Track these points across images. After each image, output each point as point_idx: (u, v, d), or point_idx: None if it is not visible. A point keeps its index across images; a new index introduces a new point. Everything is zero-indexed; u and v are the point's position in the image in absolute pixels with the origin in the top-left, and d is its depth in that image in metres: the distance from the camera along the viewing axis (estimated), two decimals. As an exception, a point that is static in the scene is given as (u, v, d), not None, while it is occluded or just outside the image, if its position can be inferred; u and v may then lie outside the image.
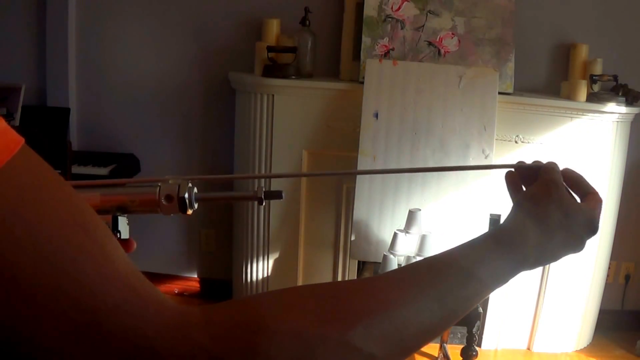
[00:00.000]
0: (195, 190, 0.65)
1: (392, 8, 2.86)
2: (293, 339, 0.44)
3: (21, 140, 0.38)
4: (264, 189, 0.66)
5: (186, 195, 0.64)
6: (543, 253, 0.67)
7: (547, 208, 0.68)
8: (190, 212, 0.65)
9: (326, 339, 0.45)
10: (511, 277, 0.64)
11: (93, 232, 0.41)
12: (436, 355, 3.00)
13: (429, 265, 0.59)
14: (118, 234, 0.67)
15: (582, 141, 2.81)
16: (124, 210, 0.65)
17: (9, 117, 2.93)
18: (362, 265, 2.88)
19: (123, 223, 0.68)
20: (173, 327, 0.42)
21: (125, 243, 0.68)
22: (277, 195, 0.67)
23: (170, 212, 0.64)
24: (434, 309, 0.53)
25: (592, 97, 2.82)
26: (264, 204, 0.67)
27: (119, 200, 0.65)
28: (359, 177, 2.72)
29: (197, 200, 0.65)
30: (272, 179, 2.86)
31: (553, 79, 3.05)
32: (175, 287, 3.44)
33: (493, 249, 0.63)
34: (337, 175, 2.97)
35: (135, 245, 0.69)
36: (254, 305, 0.46)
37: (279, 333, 0.44)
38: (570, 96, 2.85)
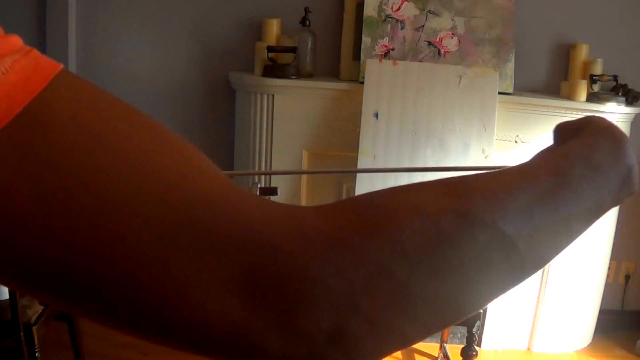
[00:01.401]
0: None
1: (392, 8, 2.86)
2: (416, 215, 0.38)
3: (59, 65, 0.35)
4: (259, 186, 0.66)
5: None
6: (622, 172, 0.53)
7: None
8: None
9: (448, 211, 0.39)
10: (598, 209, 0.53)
11: (168, 138, 0.36)
12: (436, 355, 3.00)
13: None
14: None
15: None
16: None
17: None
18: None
19: None
20: (279, 216, 0.36)
21: None
22: (272, 191, 0.67)
23: None
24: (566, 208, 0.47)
25: (592, 97, 2.82)
26: None
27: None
28: (359, 177, 2.72)
29: None
30: (272, 178, 2.86)
31: (553, 78, 3.05)
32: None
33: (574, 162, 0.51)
34: (338, 174, 2.96)
35: None
36: (365, 195, 0.41)
37: (401, 209, 0.39)
38: (570, 96, 2.85)
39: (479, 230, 0.40)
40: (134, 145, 0.34)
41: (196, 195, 0.34)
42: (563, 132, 0.59)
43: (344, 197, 2.96)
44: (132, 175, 0.33)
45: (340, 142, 2.85)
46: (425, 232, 0.38)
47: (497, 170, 0.48)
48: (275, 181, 2.83)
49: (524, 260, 0.45)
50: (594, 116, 0.57)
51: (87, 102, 0.35)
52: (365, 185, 2.70)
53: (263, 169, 2.95)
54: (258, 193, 0.66)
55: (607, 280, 3.11)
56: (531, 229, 0.44)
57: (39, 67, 0.34)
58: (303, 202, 2.97)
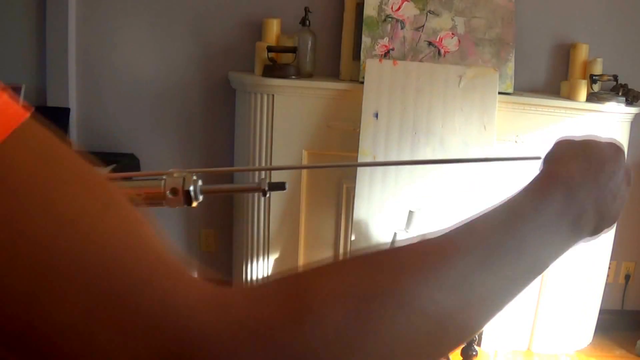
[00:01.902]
0: (200, 183, 0.65)
1: (392, 8, 2.86)
2: (343, 296, 0.39)
3: (25, 114, 0.35)
4: (267, 181, 0.66)
5: (191, 188, 0.64)
6: (600, 202, 0.58)
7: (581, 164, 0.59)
8: (195, 204, 0.65)
9: (381, 292, 0.40)
10: (568, 245, 0.55)
11: (114, 204, 0.37)
12: (436, 355, 3.00)
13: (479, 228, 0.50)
14: None
15: (582, 141, 2.81)
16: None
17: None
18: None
19: None
20: (207, 300, 0.37)
21: None
22: (280, 186, 0.68)
23: (175, 204, 0.65)
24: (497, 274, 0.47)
25: (592, 97, 2.82)
26: (267, 195, 0.67)
27: (125, 193, 0.64)
28: (359, 177, 2.71)
29: (201, 192, 0.65)
30: (273, 176, 2.86)
31: (553, 78, 3.05)
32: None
33: (537, 203, 0.53)
34: (338, 174, 2.96)
35: None
36: (295, 274, 0.42)
37: (328, 291, 0.39)
38: (570, 96, 2.85)
39: (409, 311, 0.41)
40: (79, 212, 0.35)
41: (132, 272, 0.35)
42: (555, 155, 0.63)
43: (343, 196, 2.96)
44: (74, 244, 0.34)
45: (340, 142, 2.85)
46: (351, 319, 0.38)
47: (441, 233, 0.49)
48: (276, 180, 2.83)
49: (462, 327, 0.45)
50: (580, 149, 0.62)
51: (44, 160, 0.35)
52: (365, 185, 2.70)
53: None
54: (267, 188, 0.66)
55: (607, 280, 3.11)
56: (469, 297, 0.45)
57: (2, 115, 0.34)
58: (303, 203, 2.97)
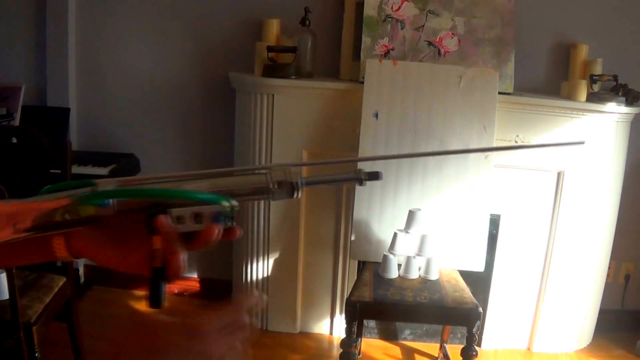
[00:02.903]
0: (303, 175, 0.69)
1: (392, 8, 2.86)
2: None
3: None
4: (364, 171, 0.70)
5: (297, 181, 0.67)
6: None
7: None
8: (297, 195, 0.69)
9: None
10: None
11: None
12: (436, 355, 3.00)
13: None
14: (230, 222, 0.69)
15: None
16: (233, 196, 0.68)
17: (9, 117, 2.93)
18: (362, 265, 2.88)
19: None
20: None
21: (230, 232, 0.70)
22: (376, 176, 0.71)
23: (280, 197, 0.69)
24: None
25: (592, 97, 2.82)
26: (364, 184, 0.69)
27: (228, 189, 0.68)
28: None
29: (305, 184, 0.69)
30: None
31: (553, 79, 3.05)
32: (175, 287, 3.44)
33: None
34: (339, 169, 2.95)
35: (239, 233, 0.72)
36: None
37: None
38: (570, 96, 2.85)
39: None
40: None
41: None
42: None
43: (343, 197, 2.96)
44: None
45: (340, 142, 2.85)
46: None
47: None
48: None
49: None
50: None
51: None
52: (364, 186, 2.69)
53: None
54: (363, 177, 0.70)
55: (607, 280, 3.11)
56: None
57: None
58: (303, 204, 2.97)
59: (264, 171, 0.69)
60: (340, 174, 0.74)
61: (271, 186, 0.68)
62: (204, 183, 0.67)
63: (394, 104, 2.71)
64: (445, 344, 2.91)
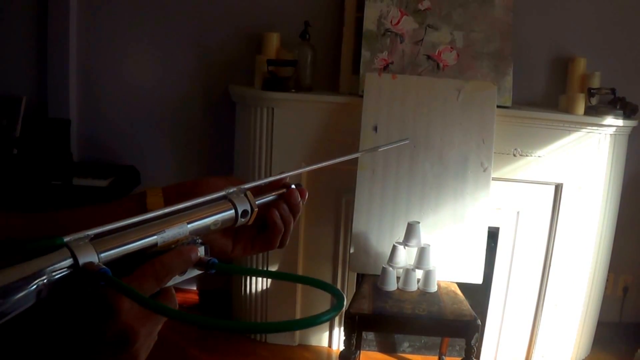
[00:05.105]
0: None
1: (391, 22, 2.88)
2: None
3: None
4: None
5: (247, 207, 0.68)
6: None
7: None
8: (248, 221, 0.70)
9: None
10: None
11: None
12: (435, 368, 3.01)
13: None
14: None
15: (580, 154, 2.83)
16: (206, 237, 0.63)
17: (9, 129, 2.94)
18: (361, 278, 2.89)
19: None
20: None
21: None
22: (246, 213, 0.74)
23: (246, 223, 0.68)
24: None
25: (590, 110, 2.84)
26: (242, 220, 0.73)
27: (206, 227, 0.63)
28: (358, 189, 2.72)
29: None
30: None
31: (551, 92, 3.07)
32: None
33: None
34: (337, 185, 2.97)
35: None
36: None
37: None
38: (568, 109, 2.86)
39: None
40: None
41: None
42: None
43: (343, 209, 2.97)
44: None
45: (339, 155, 2.85)
46: None
47: None
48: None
49: None
50: None
51: None
52: (364, 198, 2.71)
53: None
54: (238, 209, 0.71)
55: (605, 292, 3.12)
56: None
57: None
58: (302, 215, 2.97)
59: (224, 199, 0.66)
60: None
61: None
62: (182, 229, 0.60)
63: (393, 118, 2.73)
64: (443, 357, 2.92)
